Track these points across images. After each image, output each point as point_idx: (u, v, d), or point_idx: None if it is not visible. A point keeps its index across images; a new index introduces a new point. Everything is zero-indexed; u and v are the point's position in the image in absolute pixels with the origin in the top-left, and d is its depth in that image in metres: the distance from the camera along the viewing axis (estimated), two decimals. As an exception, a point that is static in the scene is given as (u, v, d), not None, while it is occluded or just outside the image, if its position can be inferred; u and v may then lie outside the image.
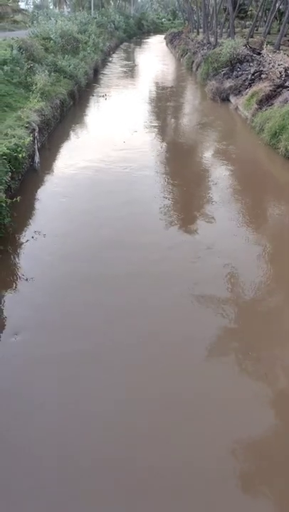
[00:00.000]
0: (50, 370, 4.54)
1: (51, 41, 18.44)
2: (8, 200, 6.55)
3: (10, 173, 7.46)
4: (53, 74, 14.22)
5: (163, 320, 5.30)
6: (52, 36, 18.84)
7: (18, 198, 7.01)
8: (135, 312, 5.43)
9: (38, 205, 8.43)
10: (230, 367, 4.62)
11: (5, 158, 7.49)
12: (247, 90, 15.46)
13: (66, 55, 17.47)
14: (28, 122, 9.86)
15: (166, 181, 9.62)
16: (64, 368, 4.59)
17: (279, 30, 26.02)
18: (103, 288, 5.85)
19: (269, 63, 15.08)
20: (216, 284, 5.91)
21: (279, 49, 21.16)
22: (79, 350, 4.79)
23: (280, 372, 4.56)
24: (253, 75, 16.13)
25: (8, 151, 7.69)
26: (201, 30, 33.80)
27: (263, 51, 17.36)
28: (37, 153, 9.87)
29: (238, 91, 16.24)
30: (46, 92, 12.28)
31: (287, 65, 14.43)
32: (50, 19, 22.14)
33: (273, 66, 14.36)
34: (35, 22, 21.40)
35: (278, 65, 14.41)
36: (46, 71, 13.33)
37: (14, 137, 8.35)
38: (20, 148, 8.11)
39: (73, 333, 5.06)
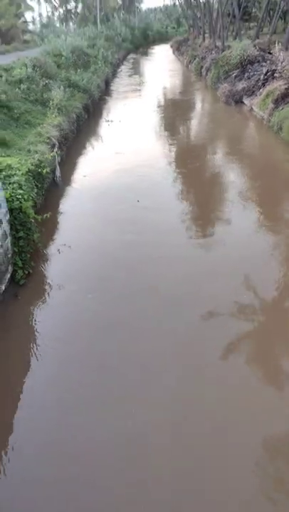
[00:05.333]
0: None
1: (63, 57, 18.76)
2: (39, 217, 6.58)
3: (35, 189, 7.55)
4: (67, 89, 14.42)
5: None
6: (63, 52, 19.16)
7: (49, 214, 7.05)
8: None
9: (61, 218, 8.52)
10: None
11: (30, 175, 7.57)
12: (261, 90, 15.36)
13: (78, 70, 17.73)
14: (48, 138, 9.99)
15: (185, 189, 9.61)
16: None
17: (284, 30, 25.90)
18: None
19: (282, 62, 14.92)
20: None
21: (287, 48, 21.04)
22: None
23: None
24: (265, 74, 16.01)
25: (33, 167, 7.78)
26: (206, 35, 33.91)
27: (274, 50, 17.22)
28: (58, 168, 9.96)
29: (251, 92, 16.14)
30: (62, 107, 12.45)
31: (301, 63, 14.26)
32: (60, 36, 22.55)
33: (288, 64, 14.19)
34: (45, 40, 21.85)
35: (291, 63, 14.25)
36: (62, 86, 13.52)
37: (37, 153, 8.45)
38: (43, 164, 8.20)
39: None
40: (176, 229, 7.63)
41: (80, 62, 19.18)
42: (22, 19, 35.40)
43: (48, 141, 9.87)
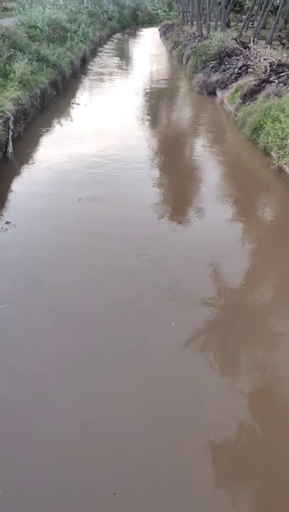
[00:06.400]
0: None
1: (37, 29, 18.06)
2: None
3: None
4: (35, 62, 13.91)
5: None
6: (38, 24, 18.45)
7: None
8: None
9: (9, 194, 8.34)
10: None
11: None
12: (233, 84, 15.27)
13: (52, 44, 17.13)
14: (1, 111, 9.63)
15: (148, 173, 9.55)
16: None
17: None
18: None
19: (255, 57, 14.87)
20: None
21: (271, 43, 20.92)
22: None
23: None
24: (240, 68, 15.92)
25: (-26, 139, 7.49)
26: (195, 22, 33.38)
27: (251, 45, 17.15)
28: (10, 143, 9.66)
29: (224, 85, 16.03)
30: (25, 81, 12.01)
31: (272, 60, 14.25)
32: (39, 7, 21.63)
33: (259, 60, 14.15)
34: (21, 10, 20.95)
35: (264, 59, 14.22)
36: (27, 59, 13.00)
37: (-17, 125, 8.14)
38: (-12, 137, 7.92)
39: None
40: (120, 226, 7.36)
41: (56, 36, 18.51)
42: (4, -16, 33.73)
43: (1, 114, 9.51)
